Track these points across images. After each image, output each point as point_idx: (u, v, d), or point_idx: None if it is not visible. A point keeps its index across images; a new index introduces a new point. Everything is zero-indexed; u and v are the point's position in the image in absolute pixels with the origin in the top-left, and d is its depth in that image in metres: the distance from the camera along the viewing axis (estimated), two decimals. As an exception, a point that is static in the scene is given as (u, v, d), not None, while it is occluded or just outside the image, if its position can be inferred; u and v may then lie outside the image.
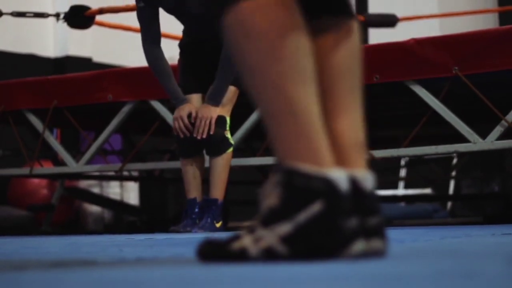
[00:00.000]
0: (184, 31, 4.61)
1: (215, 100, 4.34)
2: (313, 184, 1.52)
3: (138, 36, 4.54)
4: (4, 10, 5.99)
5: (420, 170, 8.51)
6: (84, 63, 8.30)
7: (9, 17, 6.15)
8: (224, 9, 1.58)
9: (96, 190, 7.22)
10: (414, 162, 7.87)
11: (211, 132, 4.33)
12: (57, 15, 5.98)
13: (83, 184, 7.09)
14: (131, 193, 7.48)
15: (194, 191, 4.42)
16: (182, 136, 4.38)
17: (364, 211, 1.58)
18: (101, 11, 5.84)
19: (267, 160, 4.78)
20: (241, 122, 4.77)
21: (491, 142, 4.33)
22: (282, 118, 1.55)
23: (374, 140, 6.73)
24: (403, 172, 8.63)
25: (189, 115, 4.37)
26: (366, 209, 1.59)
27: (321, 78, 1.62)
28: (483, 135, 4.35)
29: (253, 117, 4.74)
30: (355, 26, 1.72)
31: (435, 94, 4.43)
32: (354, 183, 1.59)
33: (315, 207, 1.52)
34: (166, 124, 4.99)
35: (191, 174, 4.43)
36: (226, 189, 4.42)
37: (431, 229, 3.72)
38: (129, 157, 5.30)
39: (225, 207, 4.48)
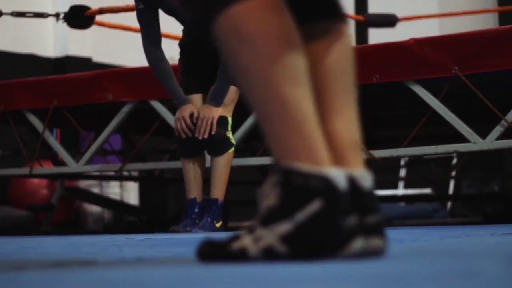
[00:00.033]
0: (184, 31, 4.61)
1: (216, 100, 4.35)
2: (311, 183, 1.53)
3: (138, 36, 4.54)
4: (4, 10, 5.99)
5: (420, 170, 8.50)
6: (84, 63, 8.30)
7: (9, 17, 6.15)
8: (213, 14, 1.59)
9: (96, 190, 7.22)
10: (414, 162, 7.88)
11: (213, 133, 4.34)
12: (57, 15, 5.98)
13: (83, 184, 7.09)
14: (131, 193, 7.48)
15: (194, 191, 4.42)
16: (184, 136, 4.39)
17: (363, 210, 1.59)
18: (101, 11, 5.84)
19: (267, 160, 4.78)
20: (241, 122, 4.77)
21: (491, 142, 4.33)
22: (277, 119, 1.56)
23: (374, 140, 6.76)
24: (403, 172, 8.63)
25: (191, 116, 4.38)
26: (365, 207, 1.59)
27: (315, 81, 1.63)
28: (483, 135, 4.35)
29: (253, 117, 4.74)
30: (346, 29, 1.74)
31: (435, 94, 4.43)
32: (353, 182, 1.59)
33: (314, 206, 1.52)
34: (166, 124, 4.99)
35: (192, 174, 4.43)
36: (226, 189, 4.42)
37: (431, 229, 3.72)
38: (129, 157, 5.30)
39: (225, 207, 4.48)
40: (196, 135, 4.36)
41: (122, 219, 7.16)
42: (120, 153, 6.80)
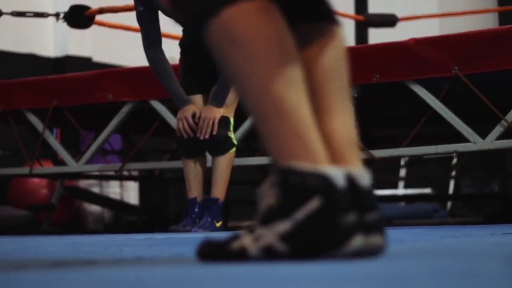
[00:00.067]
0: (184, 31, 4.61)
1: (218, 101, 4.36)
2: (309, 181, 1.53)
3: (138, 36, 4.54)
4: (4, 10, 5.99)
5: (420, 170, 8.50)
6: (84, 63, 8.30)
7: (9, 17, 6.15)
8: (205, 18, 1.59)
9: (96, 189, 7.21)
10: (414, 162, 7.88)
11: (214, 133, 4.35)
12: (57, 15, 5.98)
13: (83, 183, 7.09)
14: (131, 193, 7.48)
15: (195, 191, 4.42)
16: (186, 136, 4.40)
17: (362, 208, 1.59)
18: (101, 11, 5.84)
19: (267, 160, 4.78)
20: (241, 122, 4.77)
21: (491, 142, 4.33)
22: (273, 119, 1.56)
23: (374, 140, 6.76)
24: (403, 172, 8.62)
25: (193, 116, 4.39)
26: (363, 205, 1.60)
27: (310, 83, 1.64)
28: (483, 135, 4.35)
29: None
30: (338, 30, 1.75)
31: (435, 94, 4.43)
32: (351, 180, 1.59)
33: (313, 204, 1.53)
34: (166, 124, 4.99)
35: (193, 174, 4.44)
36: (227, 189, 4.42)
37: (431, 229, 3.72)
38: (129, 157, 5.30)
39: (226, 207, 4.48)
40: (198, 135, 4.37)
41: (122, 219, 7.16)
42: (120, 153, 6.80)
